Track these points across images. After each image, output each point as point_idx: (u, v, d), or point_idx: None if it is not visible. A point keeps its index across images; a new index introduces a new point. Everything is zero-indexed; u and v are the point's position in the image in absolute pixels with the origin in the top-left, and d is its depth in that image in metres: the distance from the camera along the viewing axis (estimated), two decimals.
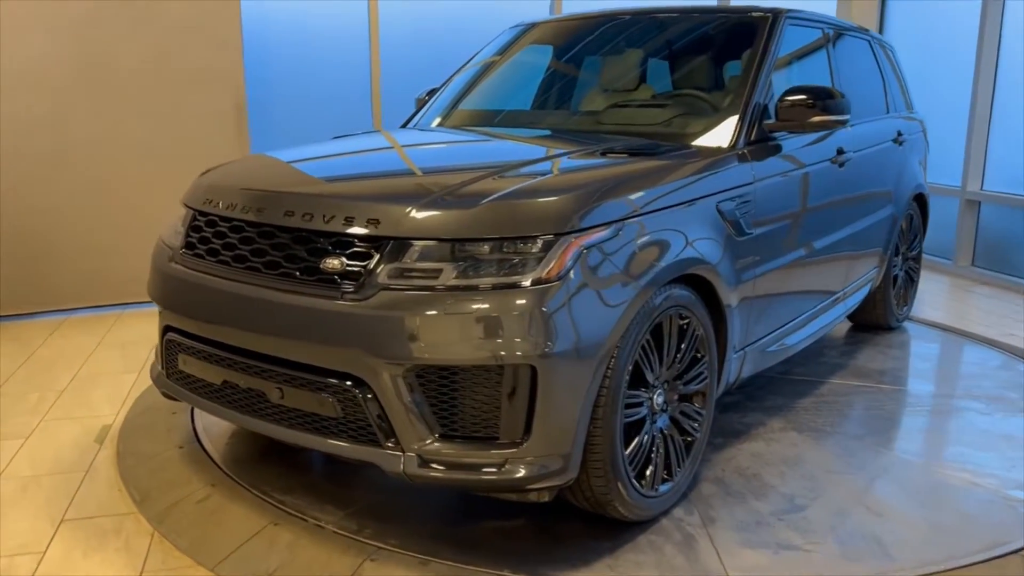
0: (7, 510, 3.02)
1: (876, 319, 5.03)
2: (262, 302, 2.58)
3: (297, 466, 3.27)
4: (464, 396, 2.41)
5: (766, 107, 3.42)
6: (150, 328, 5.21)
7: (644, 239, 2.64)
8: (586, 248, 2.45)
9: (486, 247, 2.40)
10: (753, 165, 3.26)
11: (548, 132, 3.75)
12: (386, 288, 2.41)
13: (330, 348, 2.46)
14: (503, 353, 2.32)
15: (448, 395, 2.41)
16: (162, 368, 3.06)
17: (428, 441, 2.42)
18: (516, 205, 2.49)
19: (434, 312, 2.35)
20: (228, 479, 3.15)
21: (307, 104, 6.66)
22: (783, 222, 3.44)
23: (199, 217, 2.94)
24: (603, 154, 3.02)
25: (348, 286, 2.46)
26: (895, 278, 5.04)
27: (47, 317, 5.59)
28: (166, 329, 2.97)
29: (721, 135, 3.29)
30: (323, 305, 2.46)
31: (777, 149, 3.45)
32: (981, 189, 6.91)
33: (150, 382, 4.20)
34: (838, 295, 4.18)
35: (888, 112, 4.87)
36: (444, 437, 2.43)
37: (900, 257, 5.06)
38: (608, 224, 2.53)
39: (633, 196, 2.67)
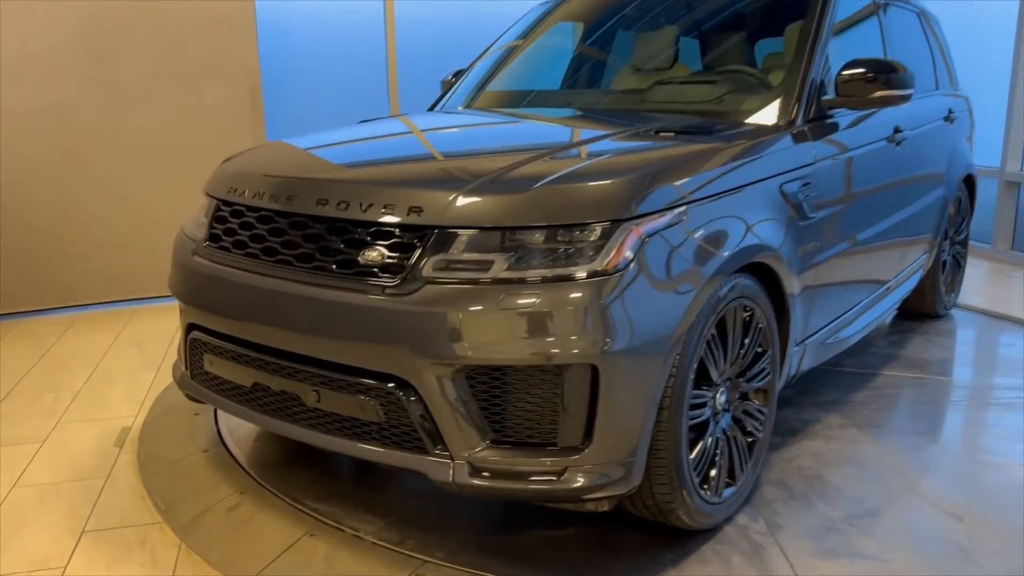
0: (25, 521, 2.84)
1: (924, 307, 4.81)
2: (295, 298, 2.39)
3: (329, 470, 3.08)
4: (518, 398, 2.21)
5: (823, 82, 3.19)
6: (166, 324, 5.05)
7: (708, 224, 2.43)
8: (647, 235, 2.24)
9: (539, 235, 2.20)
10: (814, 144, 3.04)
11: (585, 112, 3.54)
12: (431, 282, 2.21)
13: (371, 347, 2.26)
14: (561, 351, 2.12)
15: (500, 397, 2.22)
16: (186, 369, 2.87)
17: (479, 448, 2.22)
18: (571, 189, 2.28)
19: (485, 308, 2.15)
20: (257, 485, 2.97)
21: (323, 90, 6.46)
22: (842, 205, 3.23)
23: (223, 207, 2.74)
24: (656, 133, 2.80)
25: (389, 280, 2.26)
26: (943, 264, 4.81)
27: (60, 313, 5.42)
28: (190, 327, 2.78)
29: (778, 112, 3.07)
30: (362, 301, 2.27)
31: (835, 127, 3.23)
32: (1021, 170, 6.66)
33: (169, 381, 4.03)
34: (890, 284, 3.97)
35: (936, 88, 4.63)
36: (496, 443, 2.23)
37: (948, 242, 4.84)
38: (670, 209, 2.33)
39: (695, 178, 2.46)
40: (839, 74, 3.12)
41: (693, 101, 3.32)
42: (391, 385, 2.26)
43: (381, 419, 2.30)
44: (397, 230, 2.30)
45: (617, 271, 2.17)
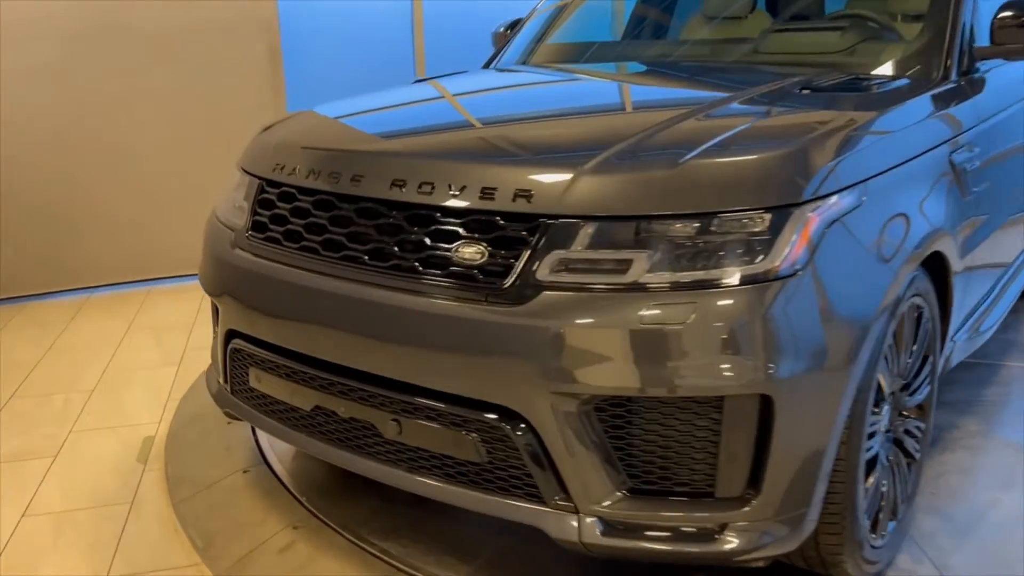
0: (37, 562, 2.38)
1: None
2: (368, 305, 1.90)
3: (395, 497, 2.60)
4: (664, 437, 1.73)
5: (972, 27, 2.66)
6: (182, 308, 4.56)
7: (888, 207, 1.93)
8: (826, 225, 1.74)
9: (689, 227, 1.70)
10: (973, 103, 2.52)
11: (680, 68, 3.00)
12: (549, 287, 1.72)
13: (470, 370, 1.78)
14: (728, 379, 1.64)
15: (640, 436, 1.74)
16: (224, 382, 2.39)
17: (613, 498, 1.75)
18: (728, 166, 1.77)
19: (624, 323, 1.65)
20: (312, 517, 2.50)
21: (344, 52, 5.88)
22: (997, 175, 2.71)
23: (268, 188, 2.23)
24: (802, 91, 2.28)
25: (493, 284, 1.77)
26: None
27: (67, 297, 4.93)
28: (230, 335, 2.29)
29: (926, 65, 2.54)
30: (457, 310, 1.78)
31: (983, 83, 2.70)
32: None
33: (193, 379, 3.56)
34: (1017, 263, 3.46)
35: None
36: (635, 492, 1.76)
37: None
38: (850, 188, 1.82)
39: (870, 149, 1.95)
40: (996, 18, 2.59)
41: (819, 52, 2.78)
42: (496, 417, 1.77)
43: (482, 458, 1.82)
44: (500, 219, 1.80)
45: (795, 272, 1.68)
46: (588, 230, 1.73)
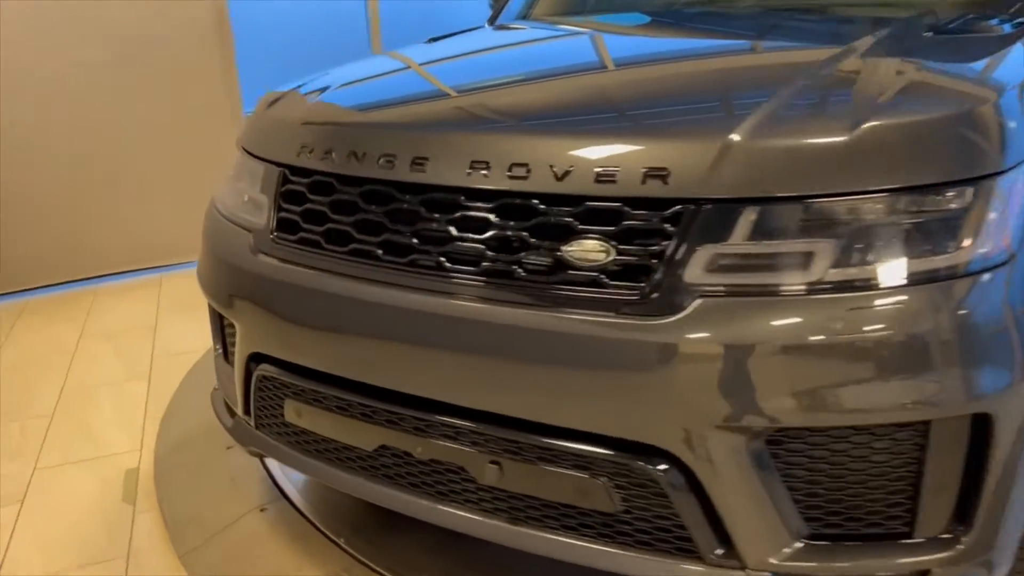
0: None
1: None
2: (454, 323, 1.50)
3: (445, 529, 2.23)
4: (851, 471, 1.39)
5: None
6: (140, 309, 4.04)
7: None
8: None
9: (880, 207, 1.35)
10: None
11: (738, 15, 2.61)
12: (708, 293, 1.35)
13: (604, 401, 1.41)
14: (946, 395, 1.31)
15: (823, 472, 1.40)
16: (246, 415, 1.96)
17: (788, 550, 1.41)
18: (918, 127, 1.42)
19: (816, 335, 1.30)
20: (356, 563, 2.11)
21: (297, 50, 5.37)
22: None
23: (293, 177, 1.80)
24: (928, 34, 1.94)
25: (629, 291, 1.40)
26: None
27: (3, 301, 4.35)
28: (253, 359, 1.86)
29: None
30: (582, 327, 1.40)
31: None
32: None
33: (171, 394, 3.10)
34: None
35: None
36: (815, 540, 1.42)
37: None
38: None
39: None
40: None
41: None
42: (637, 458, 1.41)
43: (615, 507, 1.47)
44: (627, 207, 1.42)
45: (1011, 256, 1.35)
46: (749, 216, 1.36)
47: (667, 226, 1.39)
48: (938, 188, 1.35)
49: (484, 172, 1.52)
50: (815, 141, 1.38)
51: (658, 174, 1.40)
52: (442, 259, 1.55)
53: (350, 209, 1.69)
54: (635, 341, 1.37)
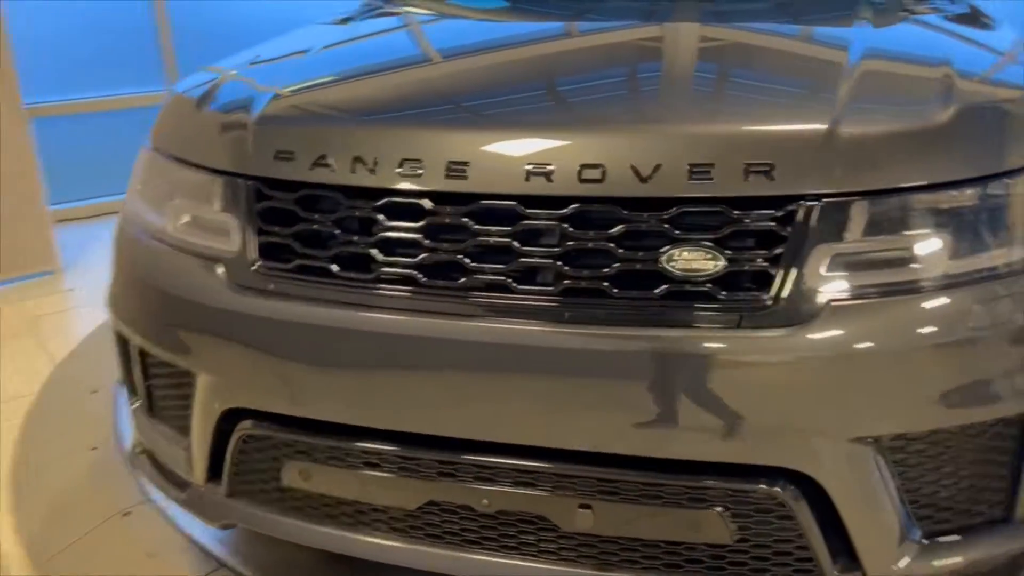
0: None
1: None
2: (540, 353, 1.29)
3: None
4: (961, 465, 1.36)
5: None
6: None
7: None
8: None
9: (970, 194, 1.32)
10: None
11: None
12: (834, 297, 1.26)
13: (724, 425, 1.27)
14: None
15: (936, 471, 1.36)
16: (215, 482, 1.61)
17: (910, 553, 1.36)
18: (1001, 108, 1.40)
19: (950, 332, 1.25)
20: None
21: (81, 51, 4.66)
22: None
23: (275, 192, 1.48)
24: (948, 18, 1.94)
25: (746, 302, 1.27)
26: None
27: None
28: (229, 416, 1.52)
29: None
30: (698, 346, 1.25)
31: None
32: None
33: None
34: None
35: None
36: (931, 536, 1.38)
37: None
38: None
39: None
40: None
41: None
42: (762, 484, 1.29)
43: (729, 538, 1.34)
44: (729, 211, 1.28)
45: None
46: (861, 211, 1.28)
47: (777, 227, 1.27)
48: (1017, 172, 1.34)
49: (547, 177, 1.31)
50: (915, 128, 1.32)
51: (762, 168, 1.27)
52: (508, 279, 1.33)
53: (367, 228, 1.41)
54: (765, 355, 1.24)
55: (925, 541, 1.37)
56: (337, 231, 1.42)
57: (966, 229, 1.29)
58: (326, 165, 1.42)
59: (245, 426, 1.51)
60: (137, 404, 1.78)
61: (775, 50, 1.73)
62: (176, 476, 1.71)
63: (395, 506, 1.45)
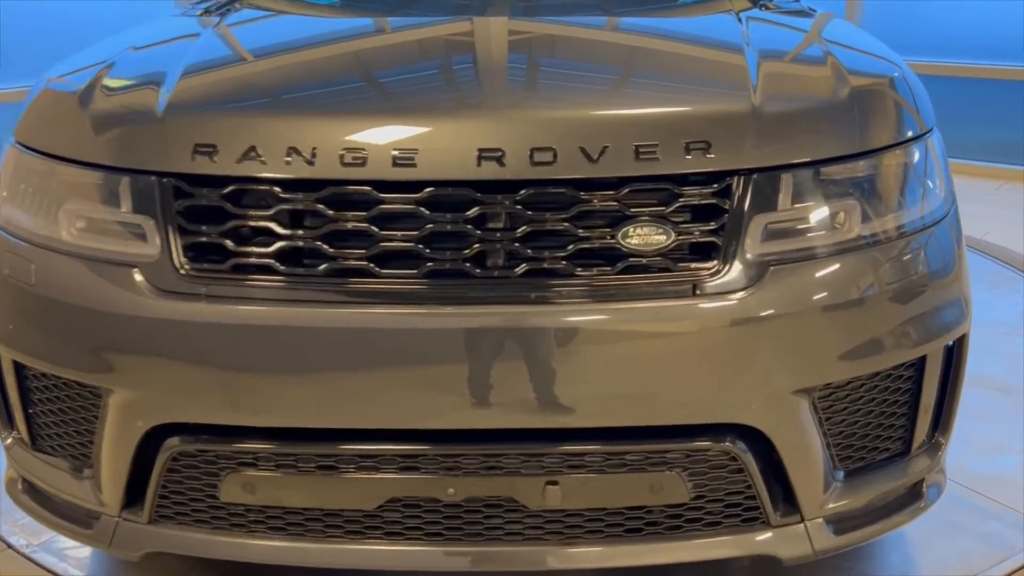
0: None
1: None
2: (504, 335, 1.31)
3: None
4: (872, 408, 1.53)
5: None
6: None
7: None
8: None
9: (862, 165, 1.48)
10: None
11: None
12: (776, 261, 1.37)
13: (684, 389, 1.36)
14: (953, 321, 1.52)
15: (853, 414, 1.51)
16: (135, 510, 1.47)
17: (835, 493, 1.50)
18: (881, 90, 1.58)
19: (873, 285, 1.41)
20: None
21: None
22: None
23: (198, 189, 1.37)
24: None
25: (699, 272, 1.35)
26: None
27: None
28: (155, 434, 1.40)
29: None
30: (659, 317, 1.33)
31: None
32: None
33: None
34: None
35: None
36: (850, 476, 1.53)
37: None
38: None
39: None
40: None
41: None
42: (718, 440, 1.39)
43: (686, 496, 1.42)
44: (674, 187, 1.36)
45: (954, 199, 1.60)
46: (787, 183, 1.40)
47: (717, 200, 1.36)
48: (903, 145, 1.52)
49: (498, 161, 1.33)
50: (824, 106, 1.46)
51: (701, 145, 1.36)
52: (467, 264, 1.32)
53: (311, 221, 1.35)
54: (719, 320, 1.33)
55: (847, 480, 1.52)
56: (276, 226, 1.35)
57: (874, 195, 1.45)
58: (257, 158, 1.35)
59: (173, 443, 1.39)
60: (11, 439, 1.59)
61: (692, 40, 1.85)
62: (75, 510, 1.54)
63: (352, 508, 1.40)
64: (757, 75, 1.49)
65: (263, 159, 1.35)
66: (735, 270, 1.35)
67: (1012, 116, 5.72)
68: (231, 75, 1.57)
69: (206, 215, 1.37)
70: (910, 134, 1.54)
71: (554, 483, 1.38)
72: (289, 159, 1.34)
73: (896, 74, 1.62)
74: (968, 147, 5.81)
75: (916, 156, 1.54)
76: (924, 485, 1.61)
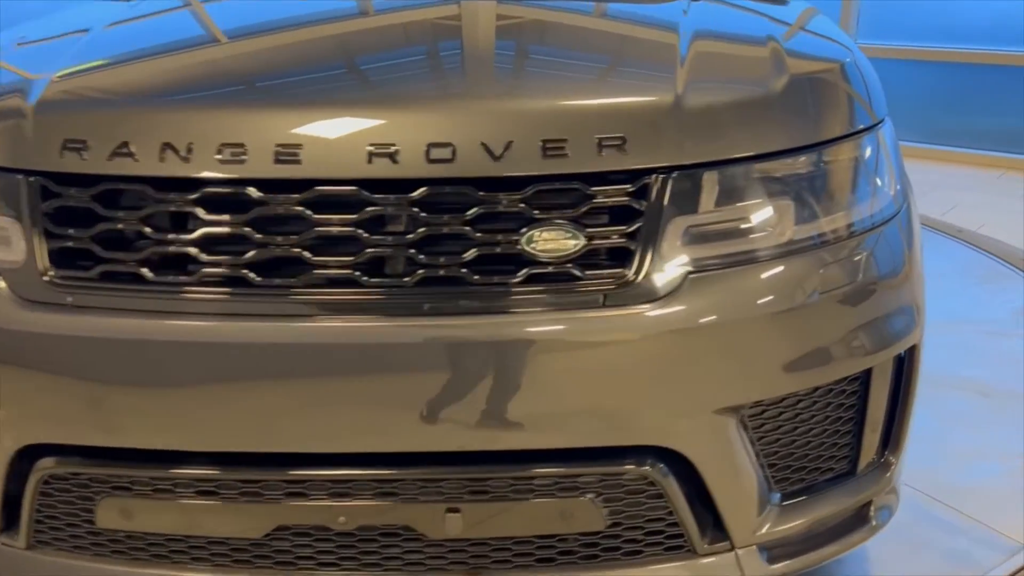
0: None
1: None
2: (397, 351, 1.19)
3: None
4: (811, 427, 1.40)
5: None
6: None
7: None
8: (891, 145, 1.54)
9: (803, 161, 1.35)
10: None
11: None
12: (692, 268, 1.24)
13: (592, 409, 1.23)
14: (900, 332, 1.40)
15: (789, 433, 1.39)
16: (10, 535, 1.36)
17: (769, 518, 1.38)
18: (821, 80, 1.44)
19: (803, 295, 1.28)
20: None
21: None
22: None
23: (65, 189, 1.26)
24: None
25: (608, 280, 1.23)
26: None
27: None
28: (26, 455, 1.29)
29: None
30: (564, 328, 1.21)
31: None
32: None
33: None
34: None
35: None
36: (787, 499, 1.41)
37: None
38: None
39: None
40: None
41: None
42: (632, 463, 1.27)
43: (602, 524, 1.30)
44: (585, 187, 1.23)
45: (906, 196, 1.47)
46: (711, 182, 1.27)
47: (632, 201, 1.24)
48: (849, 138, 1.39)
49: (390, 158, 1.21)
50: (755, 98, 1.33)
51: (615, 142, 1.23)
52: (356, 273, 1.20)
53: (183, 224, 1.23)
54: (630, 333, 1.21)
55: (784, 503, 1.40)
56: (147, 230, 1.23)
57: (808, 194, 1.32)
58: (128, 154, 1.23)
59: (46, 464, 1.28)
60: None
61: (615, 25, 1.71)
62: None
63: (238, 536, 1.29)
64: (685, 62, 1.36)
65: (136, 156, 1.23)
66: (650, 278, 1.22)
67: (1016, 103, 5.57)
68: (109, 70, 1.45)
69: (75, 217, 1.26)
70: (859, 126, 1.42)
71: (455, 510, 1.26)
72: (163, 156, 1.23)
73: (847, 59, 1.48)
74: (970, 135, 5.67)
75: (864, 150, 1.41)
76: (872, 508, 1.49)
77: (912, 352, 1.43)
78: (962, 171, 5.33)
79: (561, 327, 1.20)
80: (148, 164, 1.23)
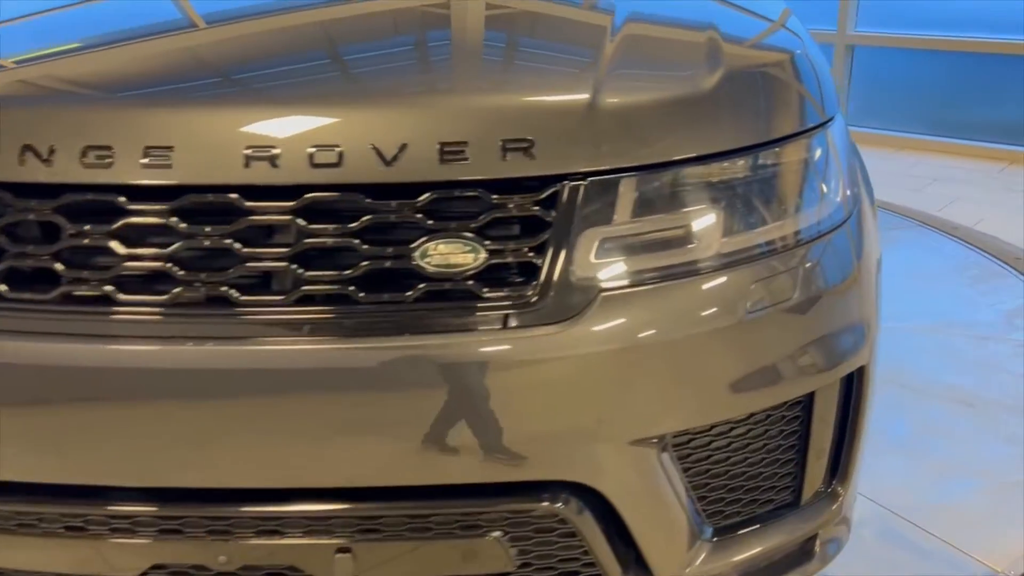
0: None
1: None
2: (274, 377, 1.08)
3: None
4: (746, 457, 1.28)
5: None
6: None
7: None
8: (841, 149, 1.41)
9: (741, 164, 1.23)
10: None
11: None
12: (605, 286, 1.12)
13: (494, 442, 1.11)
14: (844, 352, 1.27)
15: (721, 463, 1.27)
16: None
17: (700, 554, 1.26)
18: (766, 75, 1.31)
19: (731, 315, 1.15)
20: None
21: None
22: None
23: None
24: None
25: (511, 299, 1.10)
26: None
27: None
28: None
29: None
30: (461, 353, 1.09)
31: None
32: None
33: None
34: None
35: None
36: (721, 533, 1.29)
37: None
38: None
39: None
40: None
41: None
42: (541, 499, 1.15)
43: (511, 565, 1.18)
44: (487, 195, 1.11)
45: (858, 201, 1.34)
46: (630, 189, 1.15)
47: (540, 211, 1.12)
48: (790, 140, 1.27)
49: (271, 161, 1.09)
50: (683, 96, 1.20)
51: (521, 145, 1.11)
52: (229, 290, 1.09)
53: (44, 235, 1.12)
54: (532, 357, 1.09)
55: (717, 538, 1.28)
56: (4, 241, 1.12)
57: (740, 203, 1.19)
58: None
59: None
60: None
61: (530, 15, 1.58)
62: None
63: (110, 575, 1.18)
64: (606, 58, 1.23)
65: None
66: (557, 297, 1.10)
67: (1020, 93, 5.41)
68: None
69: None
70: (807, 125, 1.29)
71: (346, 550, 1.15)
72: (23, 159, 1.11)
73: (797, 50, 1.36)
74: (973, 127, 5.50)
75: (812, 152, 1.28)
76: (819, 541, 1.37)
77: (861, 373, 1.31)
78: (963, 164, 5.17)
79: (456, 351, 1.08)
80: (5, 168, 1.11)
